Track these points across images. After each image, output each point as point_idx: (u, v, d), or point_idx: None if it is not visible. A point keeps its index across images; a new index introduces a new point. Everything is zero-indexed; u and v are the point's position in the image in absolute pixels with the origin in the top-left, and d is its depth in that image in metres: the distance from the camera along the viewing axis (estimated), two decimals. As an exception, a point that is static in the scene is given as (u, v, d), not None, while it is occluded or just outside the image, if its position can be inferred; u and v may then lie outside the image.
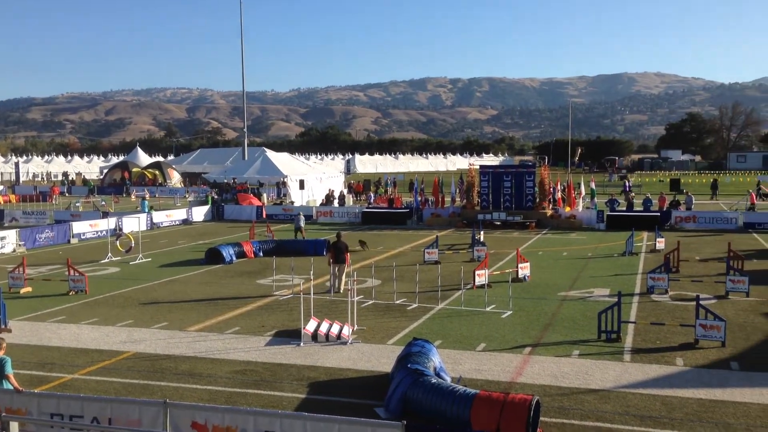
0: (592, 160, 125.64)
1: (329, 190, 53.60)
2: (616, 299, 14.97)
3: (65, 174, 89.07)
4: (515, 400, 9.79)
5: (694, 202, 43.00)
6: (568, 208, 39.20)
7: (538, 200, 38.24)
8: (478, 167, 41.37)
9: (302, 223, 32.69)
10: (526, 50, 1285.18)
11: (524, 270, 21.80)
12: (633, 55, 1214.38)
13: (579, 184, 43.94)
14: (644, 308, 17.84)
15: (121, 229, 32.61)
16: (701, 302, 14.85)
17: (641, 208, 40.67)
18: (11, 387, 9.67)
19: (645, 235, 32.46)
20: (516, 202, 38.21)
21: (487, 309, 17.73)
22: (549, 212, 38.15)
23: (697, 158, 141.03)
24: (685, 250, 25.56)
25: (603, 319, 14.87)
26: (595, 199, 44.42)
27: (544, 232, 35.36)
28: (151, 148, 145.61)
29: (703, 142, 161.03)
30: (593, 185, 47.00)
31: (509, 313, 17.37)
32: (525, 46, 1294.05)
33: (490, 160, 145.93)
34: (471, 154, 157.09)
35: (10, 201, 58.93)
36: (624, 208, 41.45)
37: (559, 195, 40.08)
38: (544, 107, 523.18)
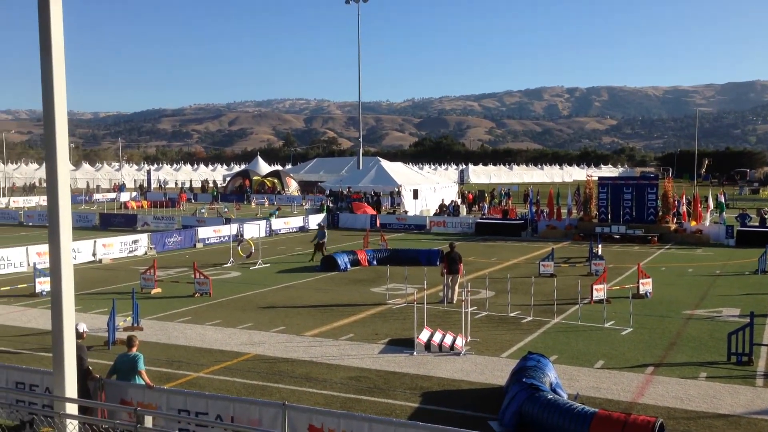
0: (720, 173, 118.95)
1: (443, 200, 53.57)
2: (748, 320, 14.10)
3: (205, 182, 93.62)
4: (638, 421, 9.40)
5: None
6: (693, 223, 37.29)
7: (660, 213, 36.63)
8: (596, 178, 40.16)
9: (325, 239, 29.76)
10: (648, 58, 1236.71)
11: (646, 286, 20.89)
12: (766, 61, 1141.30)
13: (706, 197, 41.73)
14: (779, 331, 16.69)
15: (242, 235, 33.96)
16: None
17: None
18: (143, 383, 10.28)
19: (780, 252, 30.29)
20: (636, 215, 36.81)
21: (606, 325, 17.15)
22: (673, 226, 36.45)
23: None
24: (826, 270, 23.71)
25: (733, 341, 14.03)
26: (724, 214, 41.96)
27: (667, 246, 33.80)
28: (270, 157, 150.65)
29: None
30: (722, 198, 44.43)
31: (629, 330, 16.72)
32: (647, 53, 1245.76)
33: (609, 171, 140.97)
34: (588, 165, 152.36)
35: (142, 206, 62.75)
36: (756, 224, 38.94)
37: (683, 208, 38.23)
38: (668, 117, 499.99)
